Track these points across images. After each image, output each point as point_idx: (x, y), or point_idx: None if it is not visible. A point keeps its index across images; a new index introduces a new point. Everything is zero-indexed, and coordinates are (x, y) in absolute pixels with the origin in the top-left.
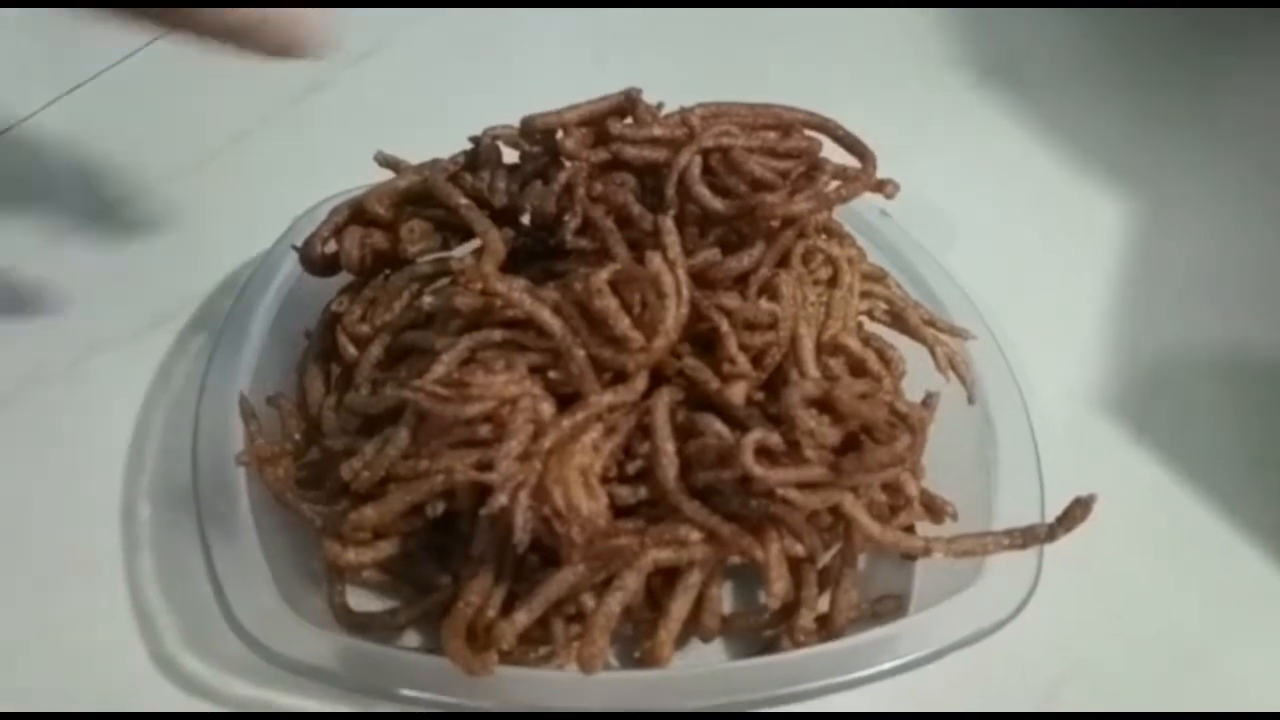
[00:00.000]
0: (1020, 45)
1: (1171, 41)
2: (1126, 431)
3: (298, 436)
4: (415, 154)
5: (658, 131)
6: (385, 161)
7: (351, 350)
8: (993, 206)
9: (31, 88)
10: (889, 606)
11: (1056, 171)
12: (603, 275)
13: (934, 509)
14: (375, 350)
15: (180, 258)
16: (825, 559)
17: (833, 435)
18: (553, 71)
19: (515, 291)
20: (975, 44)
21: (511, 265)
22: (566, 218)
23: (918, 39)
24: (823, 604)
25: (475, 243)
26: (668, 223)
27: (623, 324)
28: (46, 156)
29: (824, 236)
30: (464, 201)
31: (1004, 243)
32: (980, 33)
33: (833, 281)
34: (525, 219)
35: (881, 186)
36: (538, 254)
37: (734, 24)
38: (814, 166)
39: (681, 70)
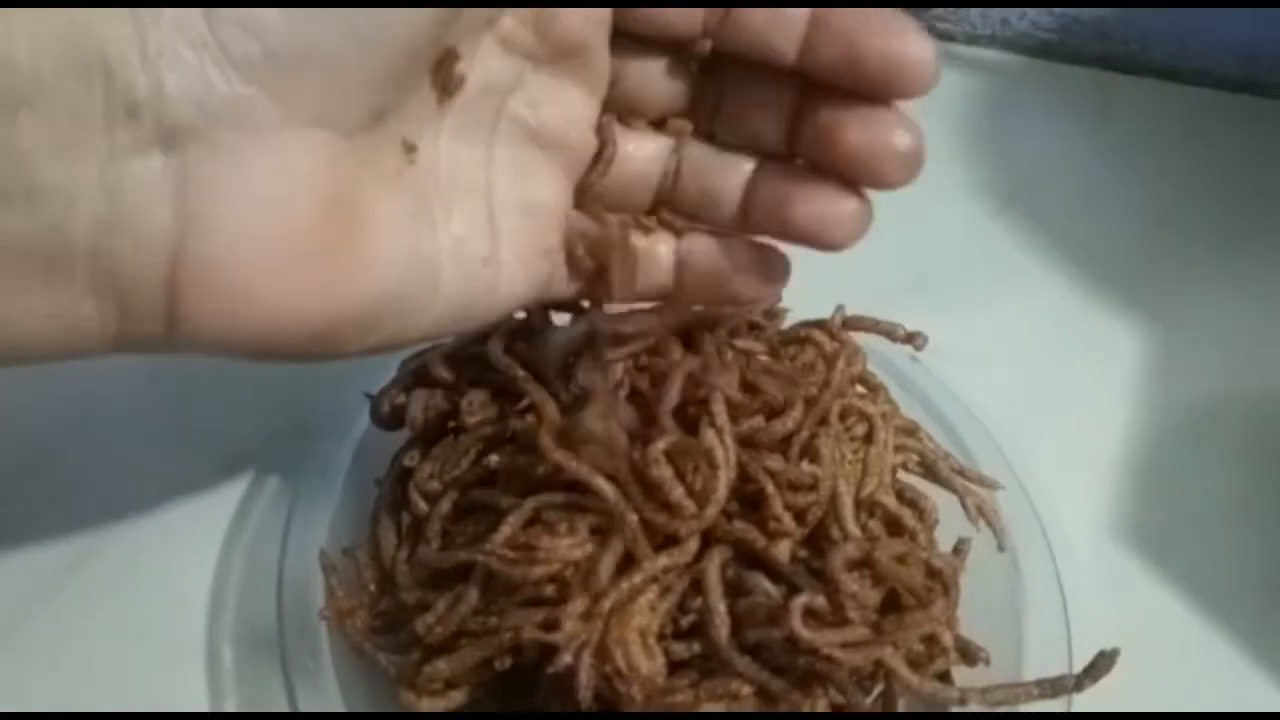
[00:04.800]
0: (1038, 172)
1: (1188, 169)
2: (1149, 562)
3: (372, 587)
4: None
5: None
6: None
7: (422, 505)
8: (1016, 335)
9: None
10: None
11: (1077, 301)
12: (659, 446)
13: (968, 654)
14: (444, 506)
15: (252, 400)
16: (866, 704)
17: (874, 597)
18: None
19: (572, 462)
20: (995, 171)
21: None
22: (617, 391)
23: (937, 172)
24: None
25: None
26: (716, 394)
27: (677, 493)
28: None
29: (859, 389)
30: (521, 373)
31: (1026, 374)
32: (998, 162)
33: (868, 438)
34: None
35: (911, 339)
36: None
37: None
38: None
39: None
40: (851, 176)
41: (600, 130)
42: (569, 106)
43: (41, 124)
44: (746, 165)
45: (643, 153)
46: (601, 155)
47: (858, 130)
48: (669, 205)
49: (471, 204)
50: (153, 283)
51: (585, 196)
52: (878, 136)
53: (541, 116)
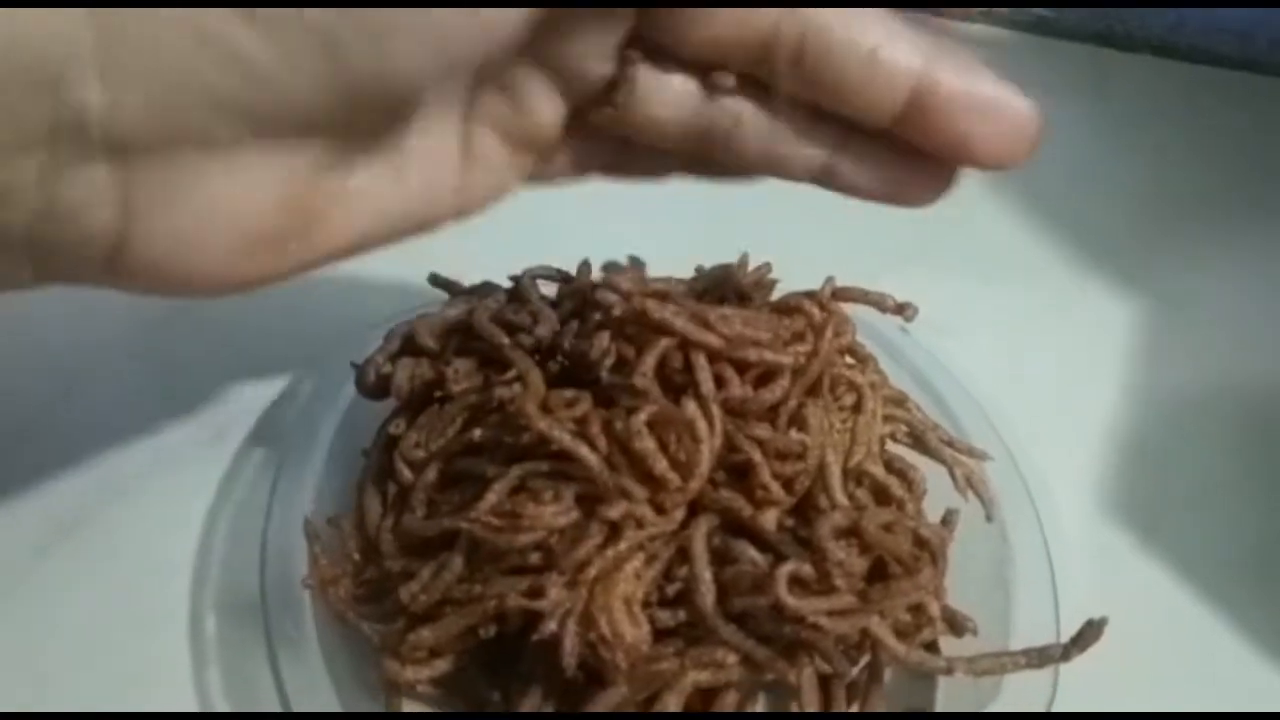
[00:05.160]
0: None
1: (1180, 138)
2: (1137, 537)
3: (357, 556)
4: (467, 257)
5: (679, 324)
6: (438, 283)
7: (407, 474)
8: (1007, 310)
9: None
10: None
11: (1070, 277)
12: (641, 418)
13: (955, 624)
14: (430, 475)
15: (239, 370)
16: (853, 673)
17: (860, 564)
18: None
19: (555, 430)
20: None
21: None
22: (603, 358)
23: None
24: None
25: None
26: (701, 359)
27: (660, 465)
28: None
29: (848, 360)
30: (506, 342)
31: (1018, 350)
32: None
33: (857, 408)
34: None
35: (901, 310)
36: (582, 381)
37: None
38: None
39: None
40: (967, 162)
41: (620, 61)
42: (581, 32)
43: None
44: (827, 135)
45: (672, 95)
46: (615, 89)
47: (972, 120)
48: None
49: (450, 132)
50: (93, 266)
51: (588, 129)
52: (996, 123)
53: (548, 38)
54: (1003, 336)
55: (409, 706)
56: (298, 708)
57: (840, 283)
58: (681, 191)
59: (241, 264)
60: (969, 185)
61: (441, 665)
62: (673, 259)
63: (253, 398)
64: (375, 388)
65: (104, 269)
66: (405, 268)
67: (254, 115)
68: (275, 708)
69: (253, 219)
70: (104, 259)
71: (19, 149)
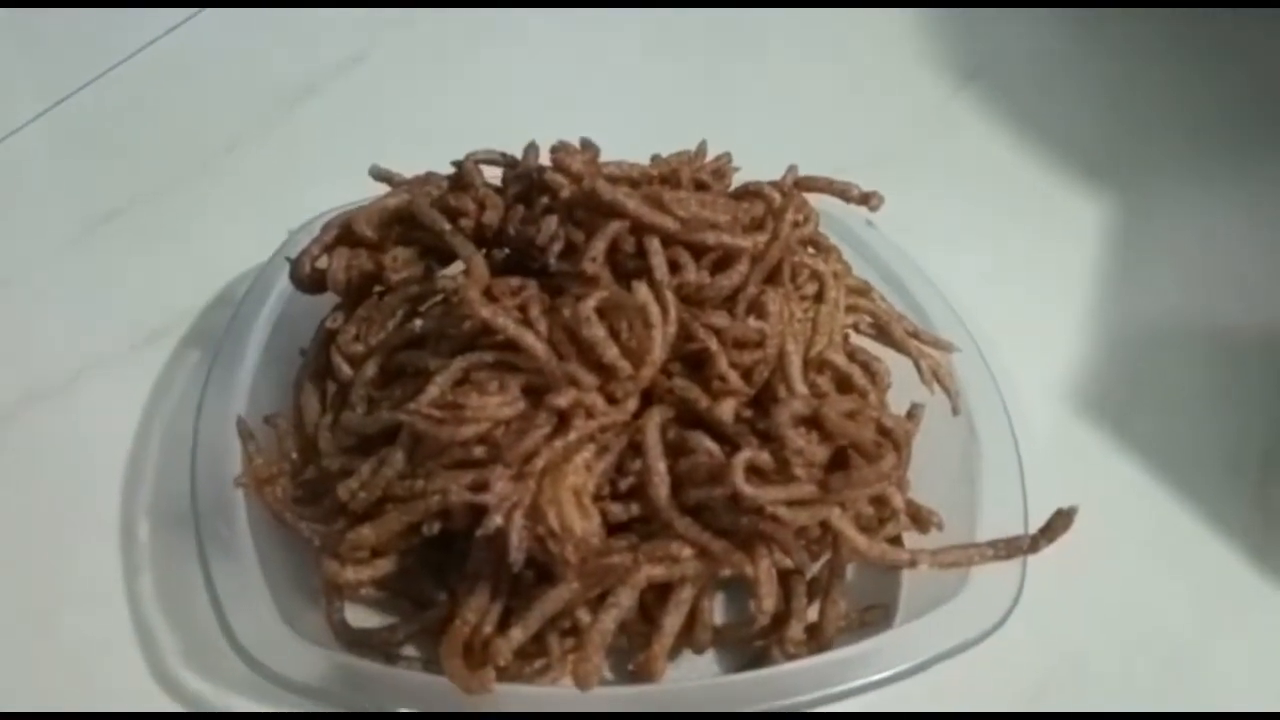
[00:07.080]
0: (1002, 48)
1: (1151, 41)
2: (1108, 434)
3: (294, 455)
4: (409, 155)
5: (631, 205)
6: (379, 175)
7: (346, 369)
8: (976, 211)
9: (18, 101)
10: (876, 616)
11: (1039, 175)
12: (590, 303)
13: (920, 519)
14: (369, 369)
15: (174, 271)
16: (814, 570)
17: (821, 453)
18: (542, 73)
19: (500, 317)
20: (957, 48)
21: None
22: (552, 243)
23: (900, 45)
24: (812, 613)
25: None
26: (655, 243)
27: (611, 353)
28: (36, 171)
29: (810, 251)
30: (448, 228)
31: (988, 247)
32: (962, 36)
33: (819, 297)
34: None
35: (866, 200)
36: (528, 271)
37: (719, 34)
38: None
39: (668, 74)
40: None
41: None
42: None
43: None
44: None
45: None
46: None
47: None
48: None
49: None
50: None
51: None
52: None
53: None
54: (971, 238)
55: (351, 609)
56: (230, 612)
57: None
58: (640, 82)
59: None
60: (940, 88)
61: (384, 565)
62: (629, 150)
63: (188, 300)
64: (310, 280)
65: None
66: (345, 163)
67: None
68: (209, 614)
69: None
70: None
71: None
